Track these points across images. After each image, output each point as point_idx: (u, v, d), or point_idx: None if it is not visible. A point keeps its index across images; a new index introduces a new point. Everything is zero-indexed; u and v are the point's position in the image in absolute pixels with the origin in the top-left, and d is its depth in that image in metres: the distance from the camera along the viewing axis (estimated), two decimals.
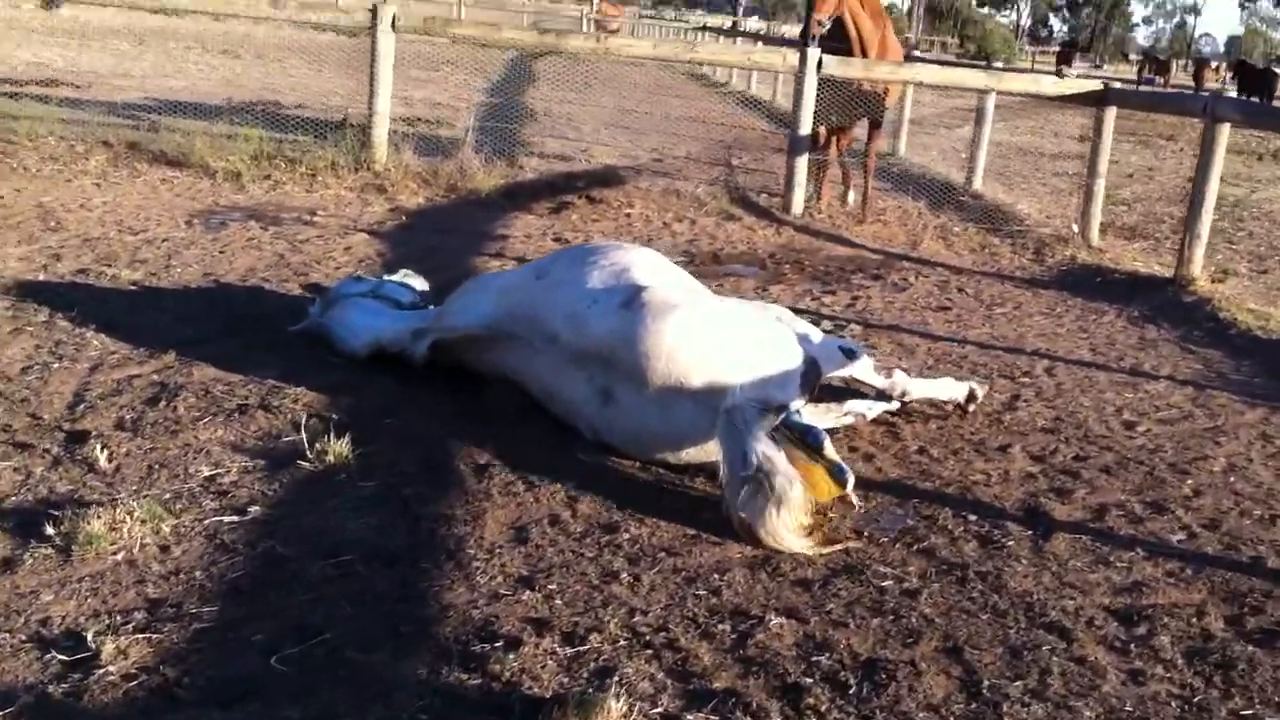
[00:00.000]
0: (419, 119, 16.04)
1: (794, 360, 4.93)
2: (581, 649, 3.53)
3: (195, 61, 23.37)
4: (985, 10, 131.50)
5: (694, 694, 3.37)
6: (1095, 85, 11.30)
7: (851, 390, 5.69)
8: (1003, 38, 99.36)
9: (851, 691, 3.45)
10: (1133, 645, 3.88)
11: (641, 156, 15.34)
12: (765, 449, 4.43)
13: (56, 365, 5.41)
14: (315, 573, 3.80)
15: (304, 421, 5.00)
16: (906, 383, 5.61)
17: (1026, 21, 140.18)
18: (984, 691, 3.51)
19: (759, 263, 9.47)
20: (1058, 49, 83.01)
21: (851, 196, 12.14)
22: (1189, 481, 5.39)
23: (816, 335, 5.19)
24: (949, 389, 5.92)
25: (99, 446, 4.51)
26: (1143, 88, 45.26)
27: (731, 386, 4.72)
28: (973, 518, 4.79)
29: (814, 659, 3.60)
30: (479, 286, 5.74)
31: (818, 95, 11.20)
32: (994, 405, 6.23)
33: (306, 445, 4.62)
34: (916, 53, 42.00)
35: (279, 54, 25.15)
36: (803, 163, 10.99)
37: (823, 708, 3.35)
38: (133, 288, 6.87)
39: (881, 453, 5.41)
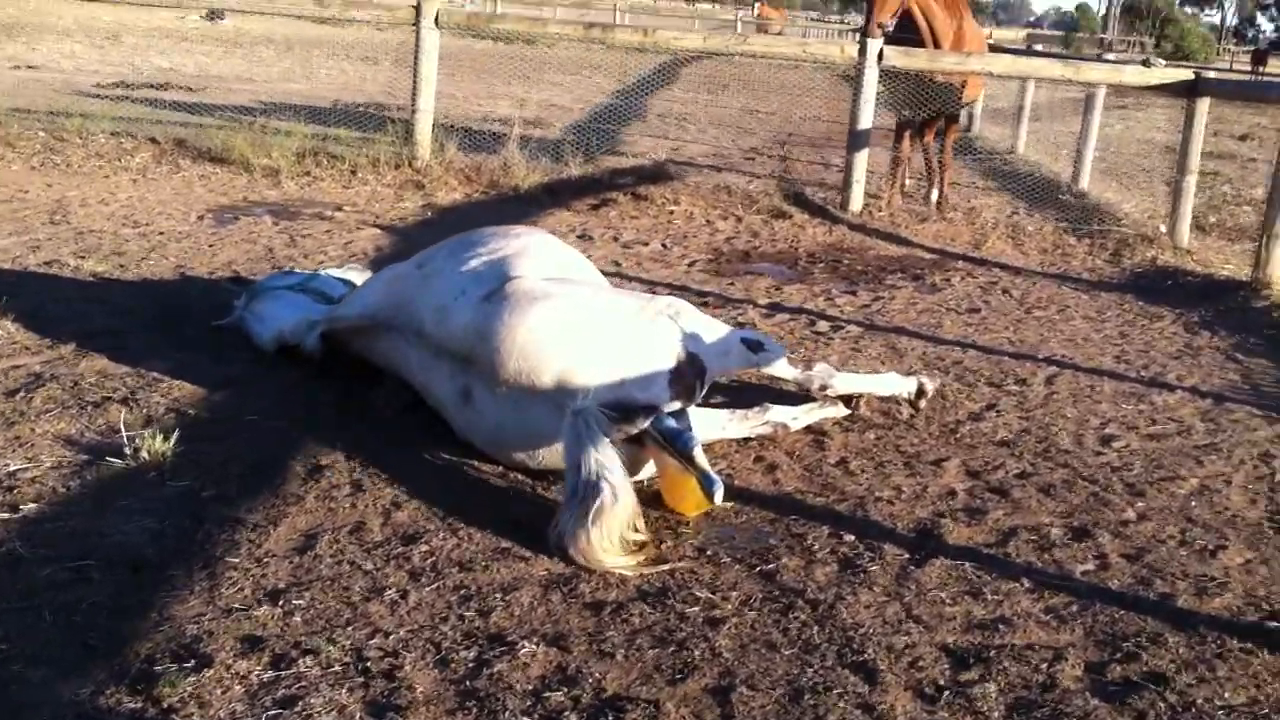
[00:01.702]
0: (520, 119, 15.90)
1: (664, 359, 4.49)
2: (283, 674, 3.19)
3: (329, 67, 23.78)
4: (1188, 10, 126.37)
5: None
6: (1185, 75, 10.40)
7: (796, 396, 5.21)
8: (1201, 37, 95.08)
9: None
10: (948, 692, 3.35)
11: (734, 154, 14.92)
12: (600, 456, 4.03)
13: None
14: (43, 578, 3.55)
15: (157, 416, 4.80)
16: (830, 376, 5.12)
17: (1232, 21, 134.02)
18: None
19: (790, 262, 8.98)
20: (1251, 49, 79.01)
21: (935, 195, 11.50)
22: (1139, 505, 4.77)
23: (713, 332, 4.73)
24: (889, 384, 5.42)
25: None
26: None
27: (584, 387, 4.31)
28: (850, 538, 4.29)
29: (546, 695, 3.18)
30: (377, 276, 5.46)
31: (892, 88, 10.70)
32: (958, 415, 5.67)
33: (126, 441, 4.37)
34: (1109, 54, 40.43)
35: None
36: (861, 159, 10.44)
37: None
38: (90, 279, 6.80)
39: (793, 463, 4.93)
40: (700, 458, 4.28)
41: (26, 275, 6.74)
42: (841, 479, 4.83)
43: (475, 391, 4.55)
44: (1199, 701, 3.38)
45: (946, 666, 3.49)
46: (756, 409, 5.13)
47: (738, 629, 3.61)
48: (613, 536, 3.87)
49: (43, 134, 10.77)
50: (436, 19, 10.39)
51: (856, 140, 10.39)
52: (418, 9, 10.41)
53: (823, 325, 7.20)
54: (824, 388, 5.11)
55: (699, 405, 5.02)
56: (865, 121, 10.34)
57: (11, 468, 4.27)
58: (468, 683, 3.22)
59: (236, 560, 3.76)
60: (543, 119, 16.43)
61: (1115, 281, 9.27)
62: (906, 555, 4.19)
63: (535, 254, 4.90)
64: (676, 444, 4.31)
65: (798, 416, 5.22)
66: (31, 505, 4.00)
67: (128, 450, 4.38)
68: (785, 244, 9.60)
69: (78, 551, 3.72)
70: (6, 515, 3.91)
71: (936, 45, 10.66)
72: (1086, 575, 4.16)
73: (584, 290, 4.67)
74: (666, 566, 3.97)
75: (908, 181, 12.03)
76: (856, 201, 10.45)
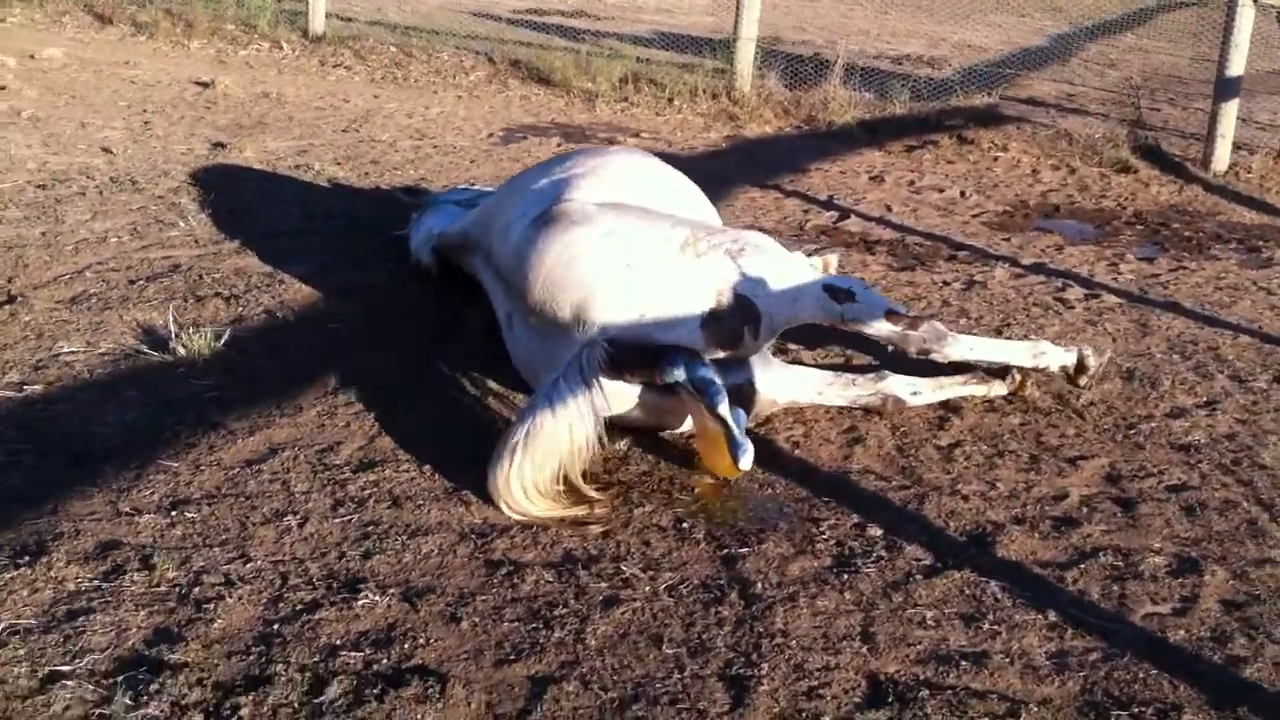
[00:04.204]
0: (913, 57, 15.17)
1: (700, 299, 3.97)
2: (104, 585, 3.09)
3: (786, 9, 23.36)
4: None
5: (129, 660, 2.77)
6: None
7: (934, 366, 4.49)
8: None
9: (320, 699, 2.68)
10: None
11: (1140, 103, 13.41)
12: (579, 402, 3.61)
13: (115, 240, 5.58)
14: None
15: (249, 315, 4.82)
16: (939, 340, 4.30)
17: None
18: None
19: (1103, 222, 7.90)
20: None
21: None
22: None
23: (784, 274, 4.14)
24: (1034, 354, 4.55)
25: (7, 315, 4.54)
26: None
27: (599, 321, 3.89)
28: (875, 532, 3.64)
29: (342, 653, 2.89)
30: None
31: None
32: (1154, 409, 4.76)
33: (172, 336, 4.37)
34: None
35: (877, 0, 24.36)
36: (1229, 109, 9.02)
37: (267, 709, 2.64)
38: (325, 184, 6.96)
39: (886, 440, 4.29)
40: (728, 414, 3.73)
41: (265, 175, 6.99)
42: (929, 465, 4.11)
43: (515, 318, 4.22)
44: None
45: (853, 700, 2.85)
46: (869, 375, 4.48)
47: (631, 615, 3.11)
48: (528, 475, 3.46)
49: (394, 49, 11.21)
50: None
51: (1225, 89, 8.98)
52: None
53: (1075, 292, 6.24)
54: (925, 352, 4.32)
55: (795, 363, 4.47)
56: (1236, 68, 8.91)
57: (63, 349, 4.38)
58: (276, 626, 2.95)
59: (175, 465, 3.66)
60: (941, 58, 15.51)
61: None
62: (927, 561, 3.49)
63: (608, 175, 4.48)
64: (705, 396, 3.77)
65: (919, 391, 4.49)
66: (39, 387, 4.07)
67: (173, 345, 4.36)
68: (1113, 202, 8.45)
69: (36, 436, 3.74)
70: (9, 394, 4.00)
71: None
72: (1148, 619, 3.30)
73: (626, 217, 4.18)
74: (589, 519, 3.50)
75: None
76: (1220, 160, 9.05)
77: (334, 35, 11.32)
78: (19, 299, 4.77)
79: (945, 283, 6.21)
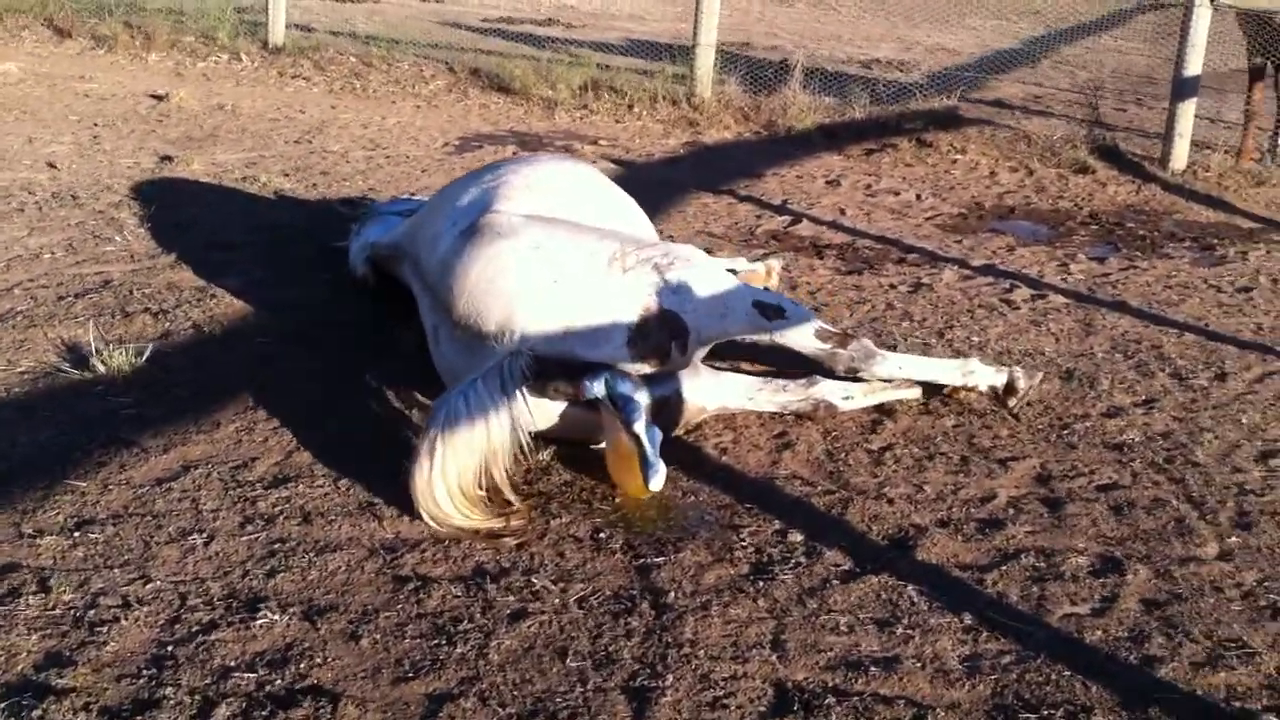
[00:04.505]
0: (882, 61, 15.21)
1: (625, 314, 3.93)
2: None
3: (760, 14, 23.33)
4: None
5: (15, 685, 2.73)
6: None
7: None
8: None
9: None
10: None
11: (1106, 104, 13.41)
12: (497, 406, 3.57)
13: (49, 256, 5.53)
14: None
15: (176, 330, 4.76)
16: (868, 359, 4.30)
17: None
18: None
19: (1058, 223, 7.89)
20: None
21: None
22: (1231, 540, 3.76)
23: (712, 289, 4.10)
24: (963, 373, 4.53)
25: None
26: None
27: (523, 336, 3.84)
28: (796, 538, 3.61)
29: (235, 675, 2.84)
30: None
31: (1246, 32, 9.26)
32: (1090, 408, 4.74)
33: (93, 354, 4.32)
34: None
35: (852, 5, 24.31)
36: (1186, 109, 9.01)
37: None
38: (271, 196, 6.92)
39: (816, 444, 4.26)
40: (644, 433, 3.70)
41: (211, 188, 6.95)
42: (856, 470, 4.08)
43: (441, 330, 4.18)
44: None
45: (758, 709, 2.81)
46: (800, 381, 4.44)
47: (538, 629, 3.07)
48: (452, 476, 3.44)
49: (354, 59, 11.17)
50: None
51: (1183, 88, 8.98)
52: None
53: (1022, 293, 6.21)
54: (853, 371, 4.31)
55: (725, 369, 4.45)
56: (1193, 68, 8.91)
57: None
58: (170, 648, 2.90)
59: (83, 484, 3.60)
60: (911, 62, 15.51)
61: None
62: (846, 567, 3.46)
63: (538, 185, 4.43)
64: (623, 413, 3.74)
65: (851, 396, 4.46)
66: None
67: (94, 362, 4.31)
68: (1070, 203, 8.44)
69: None
70: None
71: None
72: (1065, 620, 3.27)
73: (554, 230, 4.14)
74: (505, 531, 3.45)
75: None
76: (1178, 159, 9.05)
77: (294, 46, 11.27)
78: None
79: (892, 285, 6.19)
